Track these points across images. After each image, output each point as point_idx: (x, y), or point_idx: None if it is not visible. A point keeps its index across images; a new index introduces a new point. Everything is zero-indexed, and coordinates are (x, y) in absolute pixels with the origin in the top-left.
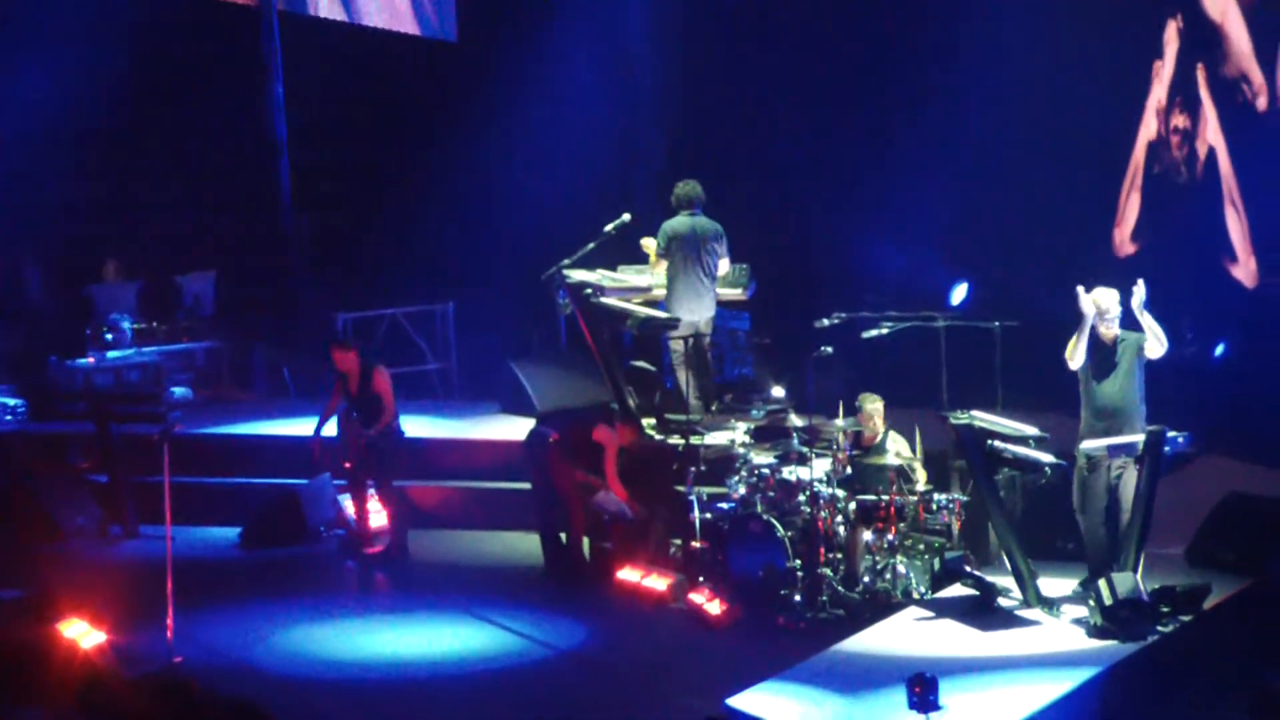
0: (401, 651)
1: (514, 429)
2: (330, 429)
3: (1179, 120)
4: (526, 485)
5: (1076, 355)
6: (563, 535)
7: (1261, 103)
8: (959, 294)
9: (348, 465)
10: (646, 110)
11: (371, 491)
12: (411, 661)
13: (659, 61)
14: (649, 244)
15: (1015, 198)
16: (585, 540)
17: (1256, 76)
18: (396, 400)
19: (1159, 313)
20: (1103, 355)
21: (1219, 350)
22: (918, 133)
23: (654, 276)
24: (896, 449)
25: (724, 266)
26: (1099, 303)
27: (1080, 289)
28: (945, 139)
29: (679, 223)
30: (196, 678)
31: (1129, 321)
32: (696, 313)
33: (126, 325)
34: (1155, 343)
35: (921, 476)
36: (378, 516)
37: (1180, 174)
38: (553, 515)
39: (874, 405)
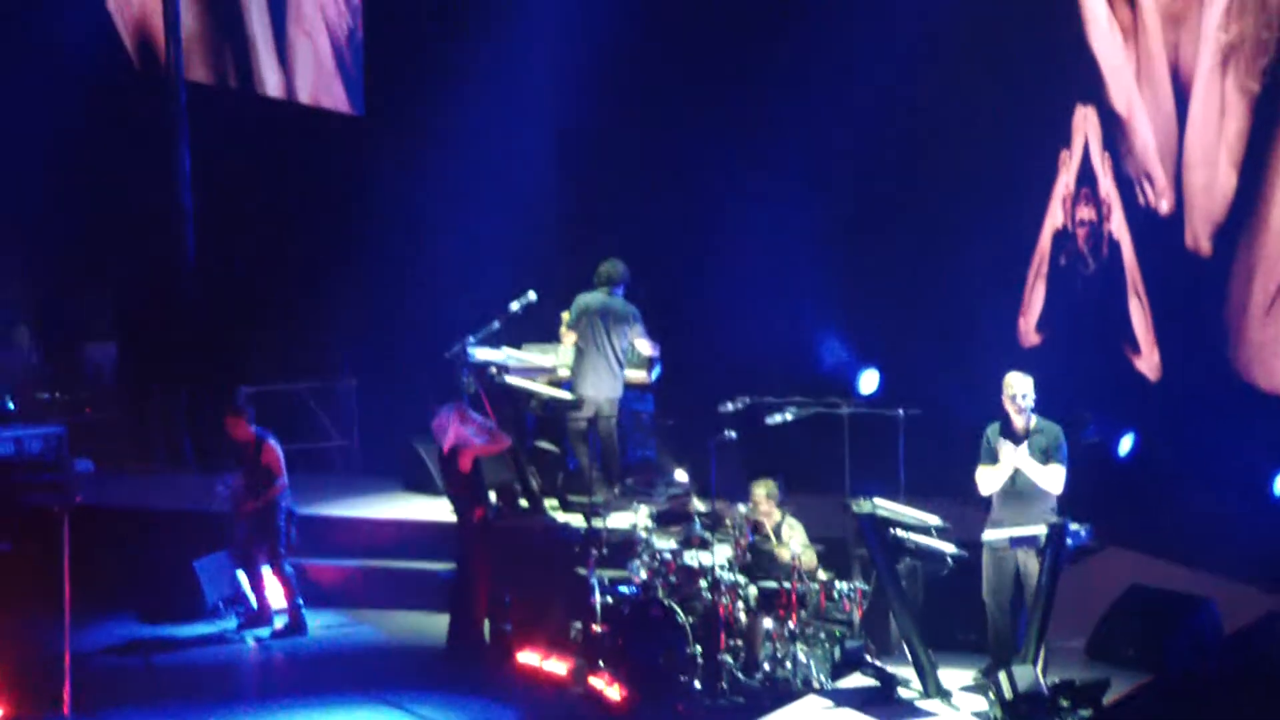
0: None
1: (415, 507)
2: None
3: (1084, 210)
4: (428, 565)
5: (987, 486)
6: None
7: (1164, 206)
8: (869, 382)
9: (239, 535)
10: (552, 189)
11: (265, 567)
12: None
13: (561, 139)
14: (566, 317)
15: (919, 283)
16: (485, 622)
17: (1160, 177)
18: (291, 474)
19: (1063, 402)
20: (1014, 444)
21: (1129, 443)
22: (823, 214)
23: (560, 351)
24: (792, 535)
25: (644, 348)
26: (1010, 383)
27: (989, 433)
28: (850, 222)
29: (592, 298)
30: None
31: (1046, 410)
32: (600, 391)
33: (10, 405)
34: (1053, 483)
35: (811, 563)
36: (274, 593)
37: (1085, 264)
38: (465, 593)
39: (763, 490)
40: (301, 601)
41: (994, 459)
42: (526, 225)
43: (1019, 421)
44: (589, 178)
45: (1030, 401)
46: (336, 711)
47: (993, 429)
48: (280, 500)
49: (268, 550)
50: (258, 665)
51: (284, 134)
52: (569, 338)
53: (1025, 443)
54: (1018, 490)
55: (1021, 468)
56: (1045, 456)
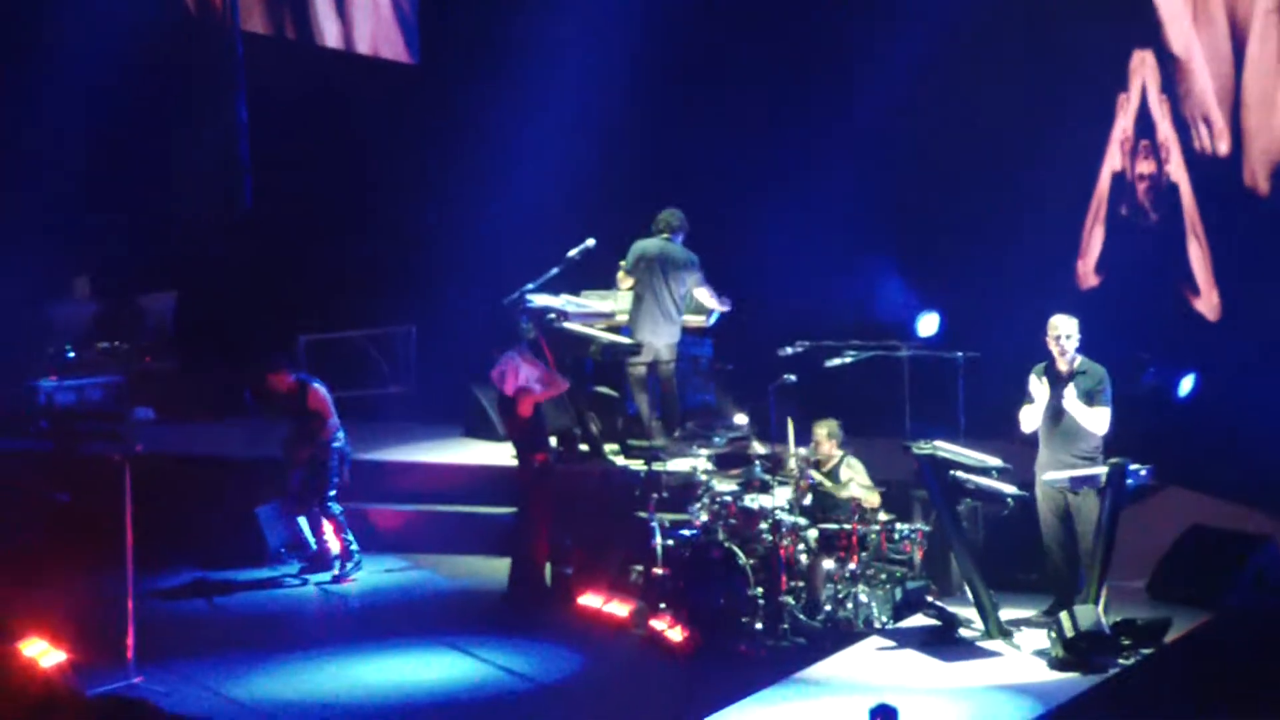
0: (369, 681)
1: (475, 452)
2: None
3: (1142, 153)
4: (488, 509)
5: (1026, 425)
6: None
7: (1223, 147)
8: (929, 324)
9: (293, 484)
10: (611, 135)
11: (338, 511)
12: (379, 693)
13: (623, 86)
14: (624, 264)
15: (978, 227)
16: (547, 565)
17: (1218, 119)
18: (350, 421)
19: (1122, 344)
20: (1059, 387)
21: (1189, 383)
22: (883, 160)
23: (618, 297)
24: (852, 476)
25: (704, 298)
26: (1056, 328)
27: (1033, 375)
28: (910, 167)
29: (649, 244)
30: (155, 698)
31: (1091, 351)
32: (658, 336)
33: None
34: (1096, 424)
35: (874, 503)
36: (334, 539)
37: (1143, 206)
38: (526, 538)
39: (824, 431)
40: (353, 538)
41: (1032, 402)
42: (585, 172)
43: (1062, 363)
44: (647, 124)
45: (1073, 343)
46: (399, 656)
47: (1037, 369)
48: (332, 442)
49: (321, 492)
50: (319, 611)
51: (340, 83)
52: (626, 283)
53: (1070, 384)
54: (1061, 430)
55: (1067, 409)
56: (1089, 398)
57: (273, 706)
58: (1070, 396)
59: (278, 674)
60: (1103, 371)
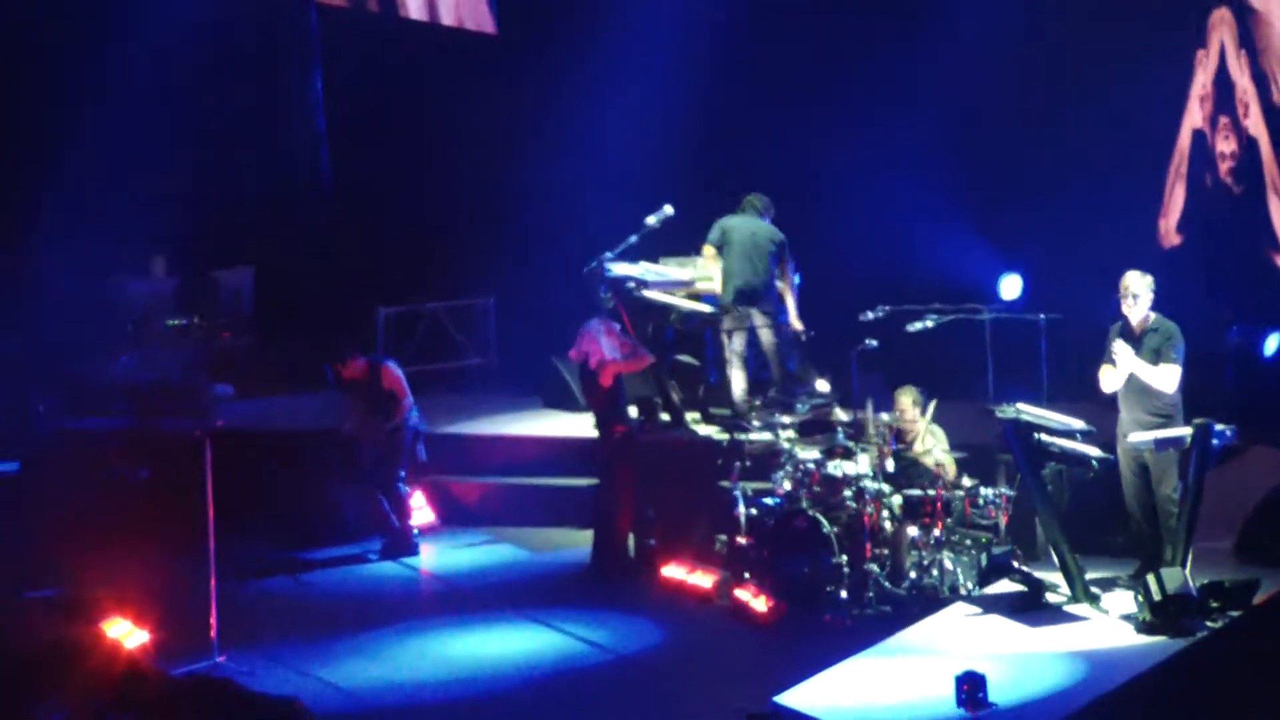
0: (452, 657)
1: (555, 424)
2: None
3: (1222, 109)
4: (570, 481)
5: (1105, 385)
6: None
7: None
8: (1012, 287)
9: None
10: (689, 102)
11: (405, 490)
12: (464, 669)
13: (698, 54)
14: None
15: (1059, 187)
16: (630, 536)
17: None
18: (429, 394)
19: (1204, 305)
20: (1131, 342)
21: (1275, 342)
22: (961, 123)
23: (698, 264)
24: (934, 443)
25: (788, 278)
26: (1126, 285)
27: (1111, 333)
28: (989, 129)
29: (735, 219)
30: (239, 678)
31: (1173, 310)
32: (753, 303)
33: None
34: (1164, 382)
35: (952, 471)
36: (419, 515)
37: (1224, 164)
38: (610, 511)
39: (908, 398)
40: (418, 523)
41: (1110, 362)
42: (662, 140)
43: (1134, 320)
44: (724, 92)
45: (1144, 301)
46: (483, 631)
47: (1114, 328)
48: (406, 421)
49: (394, 470)
50: (402, 588)
51: (418, 53)
52: (710, 255)
53: (1140, 342)
54: (1133, 389)
55: (1130, 367)
56: (1156, 356)
57: (358, 686)
58: (1129, 354)
59: (362, 652)
60: (1174, 328)
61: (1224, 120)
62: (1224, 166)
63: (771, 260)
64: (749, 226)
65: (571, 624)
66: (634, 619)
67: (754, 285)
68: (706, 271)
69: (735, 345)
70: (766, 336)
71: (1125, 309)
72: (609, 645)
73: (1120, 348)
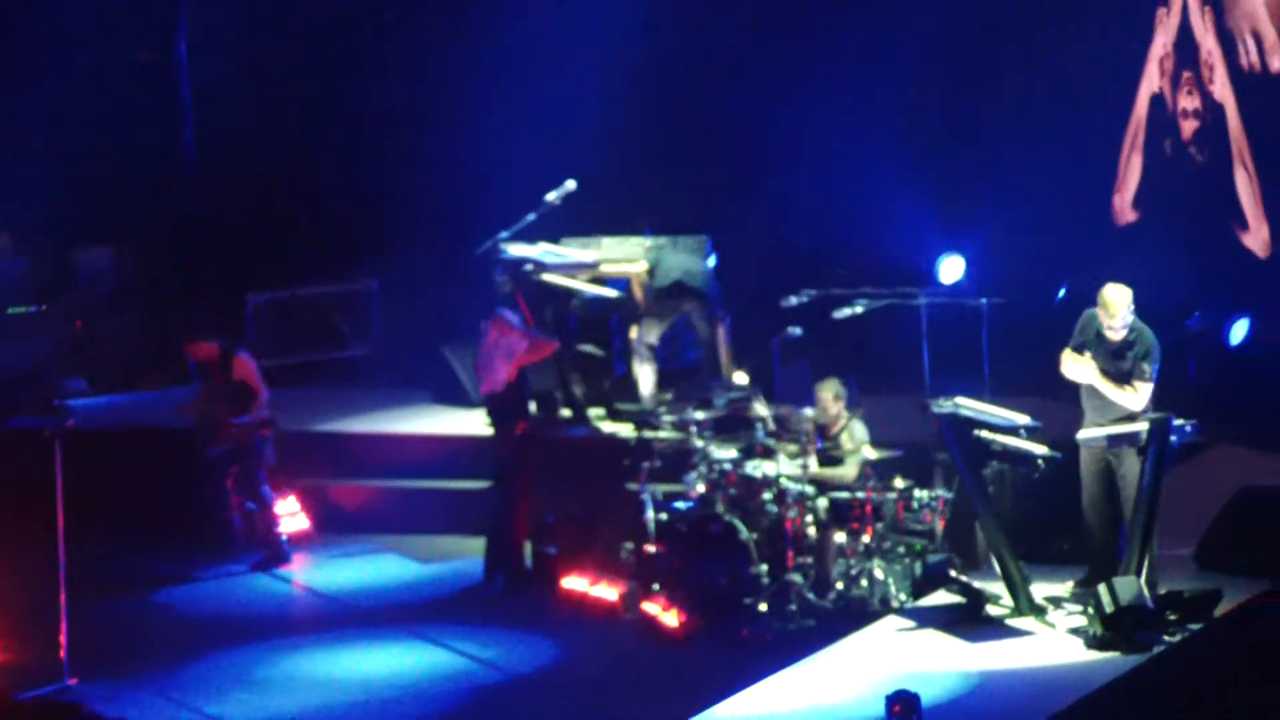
0: (332, 678)
1: (446, 421)
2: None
3: (1184, 73)
4: (461, 484)
5: (1066, 372)
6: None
7: (1276, 63)
8: (952, 269)
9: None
10: (591, 69)
11: (270, 494)
12: (347, 691)
13: (610, 18)
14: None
15: (1005, 161)
16: (527, 545)
17: (1269, 33)
18: (308, 387)
19: (1164, 287)
20: (1107, 351)
21: (1241, 329)
22: (897, 90)
23: (603, 244)
24: (852, 440)
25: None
26: (1106, 304)
27: (1066, 353)
28: (928, 97)
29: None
30: (94, 702)
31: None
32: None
33: None
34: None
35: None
36: (292, 520)
37: (1187, 123)
38: (505, 516)
39: (829, 391)
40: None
41: (1079, 348)
42: (569, 111)
43: (1114, 338)
44: (638, 59)
45: (1123, 321)
46: (366, 649)
47: (1087, 315)
48: (259, 418)
49: (253, 473)
50: (275, 602)
51: (297, 13)
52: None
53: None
54: (1097, 390)
55: (1097, 387)
56: (1128, 373)
57: (225, 713)
58: (1094, 372)
59: (230, 675)
60: (1152, 341)
61: (1187, 75)
62: (1187, 127)
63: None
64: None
65: (462, 641)
66: (531, 635)
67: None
68: (613, 252)
69: (650, 336)
70: (705, 329)
71: (1106, 332)
72: (503, 664)
73: (1085, 366)
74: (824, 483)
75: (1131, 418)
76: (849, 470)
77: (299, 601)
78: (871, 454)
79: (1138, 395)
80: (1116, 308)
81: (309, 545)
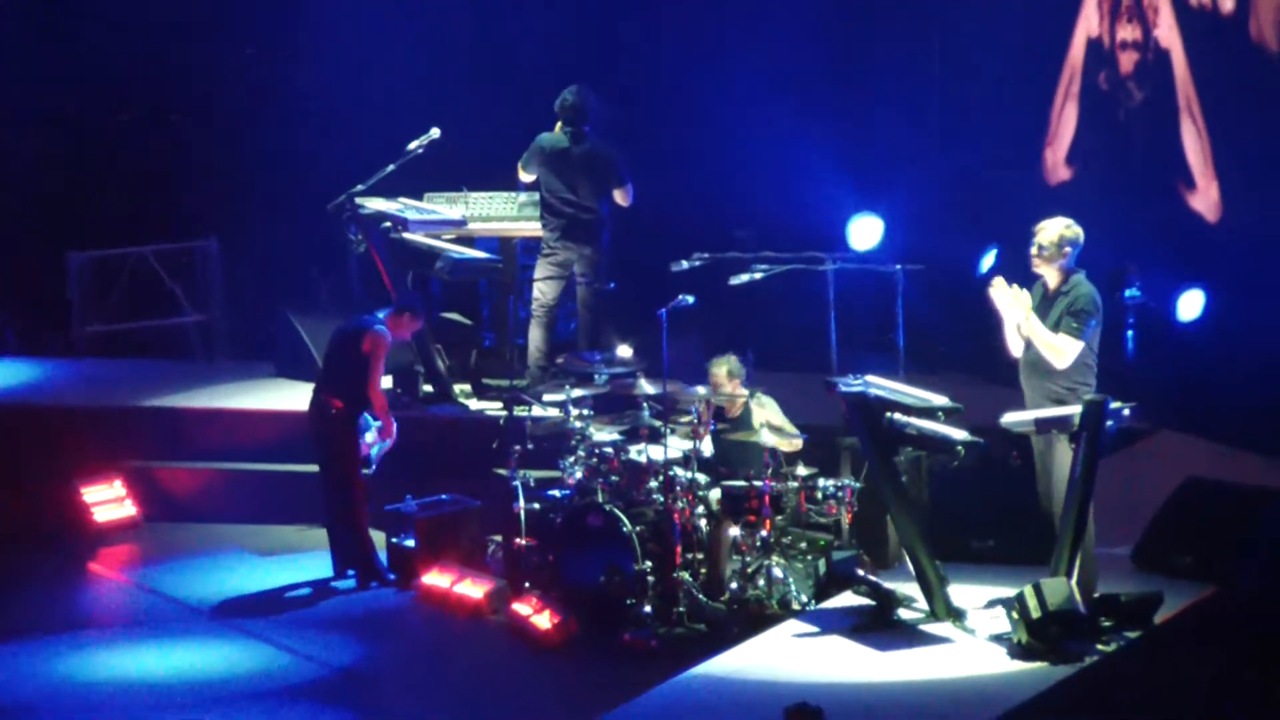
0: (152, 677)
1: (292, 395)
2: None
3: (1125, 15)
4: (309, 467)
5: (1011, 348)
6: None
7: (1227, 4)
8: (866, 232)
9: None
10: (467, 5)
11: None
12: (168, 690)
13: None
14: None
15: (925, 112)
16: (382, 536)
17: None
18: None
19: (1102, 255)
20: (1042, 307)
21: (1190, 302)
22: (804, 33)
23: (470, 200)
24: (766, 418)
25: (621, 200)
26: (1039, 236)
27: (996, 281)
28: (838, 41)
29: (549, 137)
30: None
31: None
32: (569, 249)
33: None
34: (1053, 355)
35: (796, 446)
36: (115, 507)
37: (1124, 65)
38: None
39: (723, 369)
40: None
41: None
42: (433, 52)
43: (1047, 277)
44: None
45: (1048, 250)
46: (186, 648)
47: (1040, 283)
48: None
49: None
50: (88, 595)
51: None
52: (526, 178)
53: (1047, 304)
54: (1030, 360)
55: (1020, 323)
56: (1056, 323)
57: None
58: (1018, 314)
59: (24, 672)
60: (1086, 295)
61: (1126, 27)
62: (1125, 60)
63: (592, 187)
64: (558, 145)
65: (302, 642)
66: (386, 638)
67: (581, 220)
68: (488, 209)
69: (548, 296)
70: (583, 295)
71: (1038, 268)
72: (355, 669)
73: (1014, 298)
74: (726, 460)
75: (1061, 402)
76: (761, 439)
77: (117, 596)
78: (771, 440)
79: (1060, 353)
80: (1045, 231)
81: (135, 535)
